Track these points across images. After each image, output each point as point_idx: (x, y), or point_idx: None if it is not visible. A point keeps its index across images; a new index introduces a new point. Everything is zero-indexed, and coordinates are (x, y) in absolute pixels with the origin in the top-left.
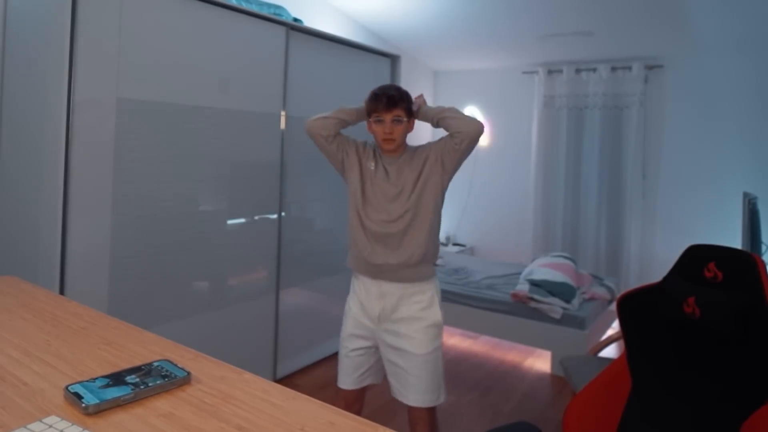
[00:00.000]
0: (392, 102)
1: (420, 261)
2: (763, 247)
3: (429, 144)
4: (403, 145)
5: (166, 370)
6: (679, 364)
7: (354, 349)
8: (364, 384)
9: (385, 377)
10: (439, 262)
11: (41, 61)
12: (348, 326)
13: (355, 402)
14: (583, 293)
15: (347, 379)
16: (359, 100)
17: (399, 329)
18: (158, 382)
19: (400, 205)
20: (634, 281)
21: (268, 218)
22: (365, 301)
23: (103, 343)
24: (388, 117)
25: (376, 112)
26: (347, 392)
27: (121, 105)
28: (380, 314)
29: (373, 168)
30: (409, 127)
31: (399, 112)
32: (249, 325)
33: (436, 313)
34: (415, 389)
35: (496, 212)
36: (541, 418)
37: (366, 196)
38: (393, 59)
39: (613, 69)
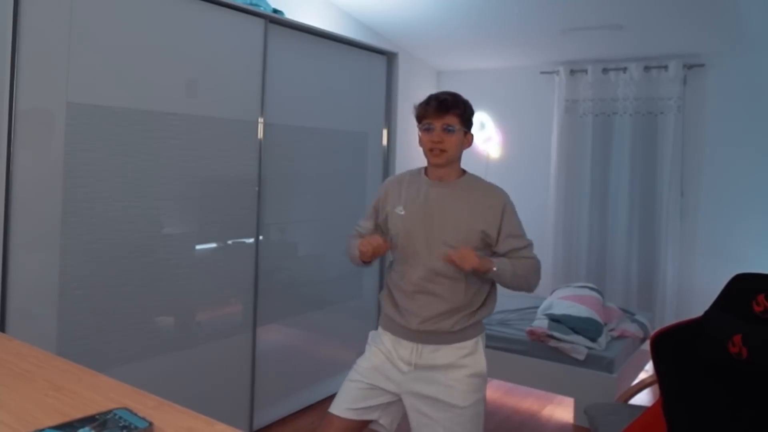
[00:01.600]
0: (444, 106)
1: (464, 327)
2: None
3: (506, 206)
4: (456, 163)
5: (125, 421)
6: (723, 413)
7: (371, 385)
8: (366, 418)
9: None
10: None
11: None
12: (374, 359)
13: None
14: (612, 330)
15: (346, 405)
16: (348, 103)
17: (436, 377)
18: None
19: (438, 244)
20: (670, 316)
21: (244, 243)
22: (397, 344)
23: (51, 388)
24: (438, 123)
25: (425, 118)
26: (340, 422)
27: (71, 111)
28: (414, 358)
29: (403, 213)
30: (466, 142)
31: (452, 119)
32: (221, 368)
33: (480, 361)
34: None
35: None
36: None
37: (400, 240)
38: (389, 57)
39: (647, 69)
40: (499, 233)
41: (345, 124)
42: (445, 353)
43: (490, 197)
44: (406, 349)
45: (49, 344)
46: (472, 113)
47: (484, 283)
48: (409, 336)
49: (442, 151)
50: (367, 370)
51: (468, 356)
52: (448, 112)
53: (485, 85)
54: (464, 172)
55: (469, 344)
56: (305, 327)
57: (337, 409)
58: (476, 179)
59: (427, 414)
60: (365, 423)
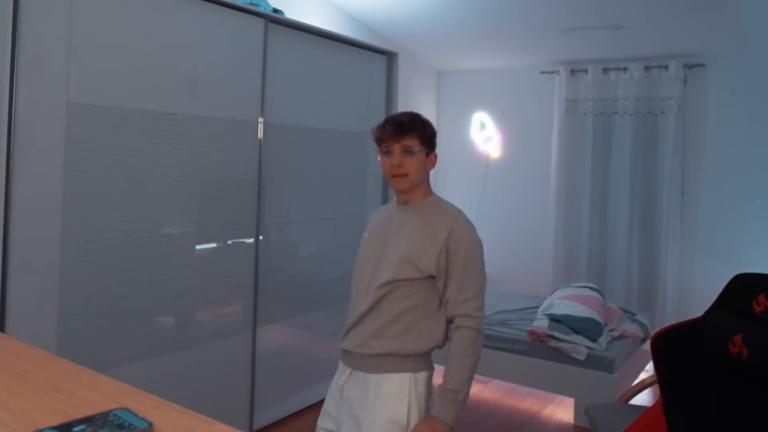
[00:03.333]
0: (401, 129)
1: (384, 354)
2: None
3: (457, 229)
4: (421, 186)
5: (125, 421)
6: (724, 414)
7: (323, 428)
8: None
9: None
10: None
11: None
12: (327, 399)
13: None
14: (612, 330)
15: None
16: (349, 103)
17: (357, 413)
18: None
19: (379, 273)
20: (671, 316)
21: (244, 243)
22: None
23: (51, 388)
24: (396, 147)
25: (383, 142)
26: None
27: (71, 111)
28: (343, 386)
29: (366, 235)
30: (429, 163)
31: (411, 141)
32: (221, 368)
33: (401, 408)
34: None
35: (510, 235)
36: None
37: (357, 262)
38: (389, 57)
39: (647, 68)
40: (439, 269)
41: (345, 124)
42: (367, 387)
43: (437, 223)
44: (343, 373)
45: (49, 344)
46: (433, 133)
47: (411, 310)
48: (345, 358)
49: (403, 175)
50: (321, 415)
51: (388, 399)
52: (406, 134)
53: (485, 85)
54: (429, 194)
55: (394, 384)
56: (305, 327)
57: None
58: (439, 200)
59: None
60: None
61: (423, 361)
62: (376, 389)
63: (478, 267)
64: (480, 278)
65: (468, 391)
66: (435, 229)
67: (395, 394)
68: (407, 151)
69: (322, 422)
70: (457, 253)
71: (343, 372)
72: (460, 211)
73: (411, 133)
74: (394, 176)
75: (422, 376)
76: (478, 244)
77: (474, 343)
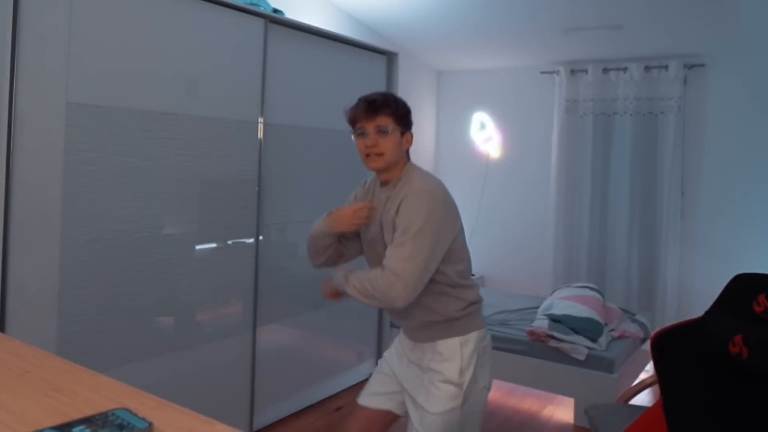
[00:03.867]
0: (373, 107)
1: (426, 324)
2: None
3: (407, 198)
4: (399, 165)
5: (125, 421)
6: (723, 414)
7: (390, 371)
8: (383, 407)
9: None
10: None
11: None
12: (391, 348)
13: (369, 427)
14: (612, 330)
15: (367, 392)
16: (349, 104)
17: (419, 375)
18: None
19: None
20: (671, 317)
21: (244, 243)
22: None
23: (51, 388)
24: (370, 126)
25: (356, 122)
26: (362, 411)
27: (71, 111)
28: (407, 352)
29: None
30: (405, 141)
31: (384, 120)
32: (221, 368)
33: (453, 369)
34: None
35: (510, 236)
36: None
37: (366, 250)
38: (389, 57)
39: (647, 68)
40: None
41: (345, 124)
42: (425, 354)
43: (401, 192)
44: (405, 342)
45: (49, 344)
46: (407, 111)
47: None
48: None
49: (379, 155)
50: (387, 356)
51: (444, 362)
52: (378, 113)
53: (485, 85)
54: (405, 165)
55: (447, 348)
56: (305, 327)
57: (361, 398)
58: (410, 172)
59: (410, 416)
60: (387, 417)
61: (469, 323)
62: (431, 355)
63: (423, 237)
64: (420, 245)
65: (346, 291)
66: (400, 195)
67: (448, 359)
68: (381, 131)
69: (381, 365)
70: (401, 218)
71: (403, 338)
72: (425, 180)
73: (384, 111)
74: (368, 155)
75: (472, 336)
76: (427, 215)
77: (381, 288)
